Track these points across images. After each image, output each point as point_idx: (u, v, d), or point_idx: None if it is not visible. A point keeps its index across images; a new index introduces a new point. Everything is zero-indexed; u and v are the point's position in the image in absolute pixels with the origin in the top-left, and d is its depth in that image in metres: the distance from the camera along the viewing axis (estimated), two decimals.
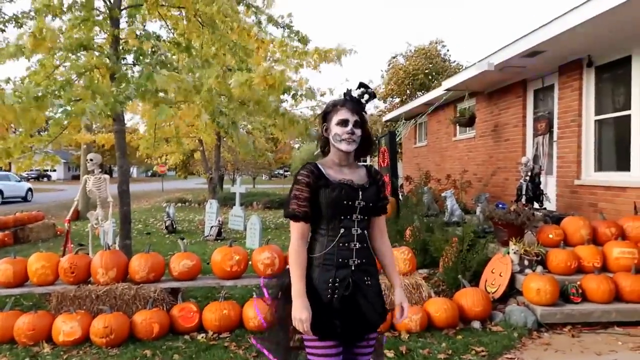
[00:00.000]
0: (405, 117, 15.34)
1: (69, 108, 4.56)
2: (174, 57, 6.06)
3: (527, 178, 7.01)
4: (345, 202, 2.11)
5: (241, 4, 6.26)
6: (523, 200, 6.92)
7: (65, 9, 5.21)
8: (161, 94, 5.36)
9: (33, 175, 49.71)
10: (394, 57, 25.16)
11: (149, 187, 36.07)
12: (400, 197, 9.35)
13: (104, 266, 4.69)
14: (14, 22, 5.15)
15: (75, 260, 4.76)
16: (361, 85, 2.22)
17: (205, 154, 15.52)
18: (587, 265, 5.09)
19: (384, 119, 18.84)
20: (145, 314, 4.41)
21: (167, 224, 11.45)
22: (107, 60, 5.35)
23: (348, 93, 2.22)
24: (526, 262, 5.21)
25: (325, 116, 2.23)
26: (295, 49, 6.59)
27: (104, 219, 6.68)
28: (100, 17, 5.44)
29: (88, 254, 5.97)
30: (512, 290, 5.18)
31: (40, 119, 4.88)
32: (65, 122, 5.20)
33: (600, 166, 6.90)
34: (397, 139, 13.41)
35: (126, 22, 5.74)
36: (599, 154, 6.92)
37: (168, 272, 5.03)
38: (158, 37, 5.84)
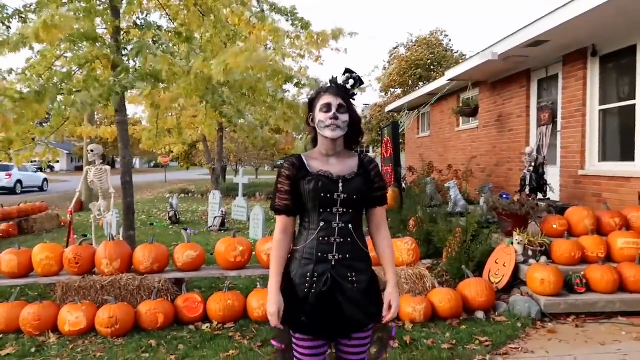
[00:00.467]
0: (408, 108, 15.28)
1: (59, 98, 4.55)
2: (175, 47, 6.02)
3: (531, 168, 6.98)
4: (322, 194, 2.02)
5: None
6: (527, 190, 6.90)
7: (67, 0, 5.17)
8: (161, 85, 5.35)
9: (37, 167, 49.76)
10: (395, 48, 25.01)
11: (152, 178, 36.13)
12: (403, 187, 9.35)
13: (109, 257, 4.71)
14: (17, 17, 5.13)
15: (80, 251, 4.77)
16: (347, 71, 2.14)
17: (208, 145, 15.51)
18: (591, 255, 5.08)
19: (387, 109, 18.77)
20: (149, 304, 4.43)
21: (170, 215, 11.49)
22: (108, 51, 5.33)
23: (332, 80, 2.14)
24: (530, 253, 5.21)
25: (311, 105, 2.15)
26: (287, 34, 6.43)
27: (106, 210, 6.68)
28: (101, 8, 5.41)
29: (92, 244, 5.99)
30: (516, 281, 5.18)
31: (43, 110, 4.88)
32: (67, 113, 5.20)
33: (604, 156, 6.86)
34: (400, 130, 13.36)
35: (124, 12, 5.71)
36: (603, 144, 6.89)
37: (172, 263, 5.04)
38: (159, 27, 5.81)
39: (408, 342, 3.96)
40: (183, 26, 6.06)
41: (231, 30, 5.82)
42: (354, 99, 2.16)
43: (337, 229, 2.05)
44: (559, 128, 7.65)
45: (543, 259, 4.97)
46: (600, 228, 5.50)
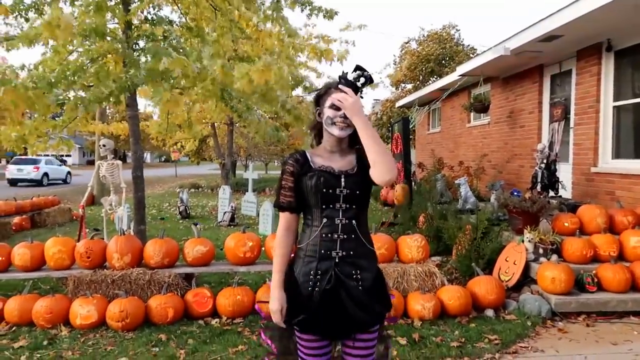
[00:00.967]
0: (418, 103, 15.19)
1: (70, 96, 4.59)
2: (186, 42, 6.03)
3: (543, 165, 6.92)
4: (324, 190, 1.99)
5: None
6: (538, 187, 6.84)
7: None
8: (171, 81, 5.37)
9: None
10: (406, 43, 24.87)
11: (162, 172, 36.38)
12: (413, 184, 9.30)
13: (119, 251, 4.74)
14: (34, 10, 5.17)
15: (91, 245, 4.82)
16: (357, 68, 2.08)
17: (218, 139, 15.57)
18: (603, 254, 5.03)
19: (397, 104, 18.67)
20: (160, 298, 4.46)
21: (180, 210, 11.56)
22: (119, 46, 5.35)
23: (343, 76, 2.08)
24: (541, 251, 5.16)
25: (318, 100, 2.11)
26: (291, 44, 6.41)
27: (118, 205, 6.74)
28: (113, 2, 5.43)
29: (103, 239, 6.04)
30: (526, 279, 5.14)
31: (54, 105, 4.92)
32: (77, 111, 5.24)
33: (617, 153, 6.77)
34: (411, 126, 13.29)
35: (136, 8, 5.72)
36: (616, 141, 6.79)
37: (182, 258, 5.07)
38: (170, 22, 5.81)
39: (417, 340, 3.95)
40: (194, 21, 6.08)
41: (239, 29, 5.82)
42: (362, 97, 2.12)
43: (340, 225, 2.02)
44: (571, 124, 7.56)
45: (554, 257, 4.93)
46: (612, 226, 5.44)
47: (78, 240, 5.43)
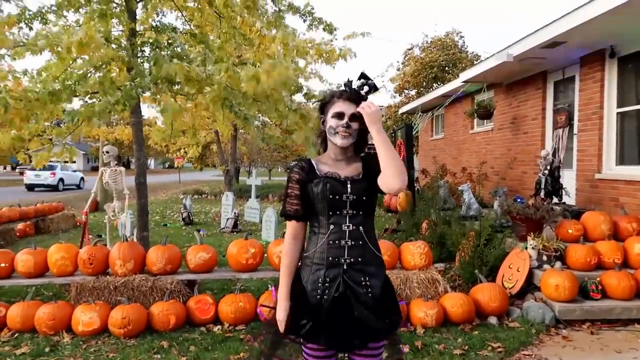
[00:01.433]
0: (422, 110, 15.19)
1: (78, 107, 4.63)
2: (190, 49, 6.07)
3: (546, 172, 6.90)
4: (331, 196, 1.99)
5: None
6: (542, 194, 6.81)
7: (83, 2, 5.24)
8: (176, 87, 5.40)
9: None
10: (409, 49, 24.92)
11: (166, 178, 36.46)
12: (416, 190, 9.29)
13: (122, 258, 4.75)
14: (39, 19, 5.21)
15: (94, 252, 4.83)
16: (362, 76, 2.09)
17: (221, 146, 15.60)
18: (608, 261, 5.00)
19: (400, 110, 18.68)
20: (162, 305, 4.46)
21: (184, 216, 11.57)
22: (124, 53, 5.38)
23: (347, 84, 2.09)
24: (544, 258, 5.14)
25: (323, 108, 2.11)
26: (296, 48, 6.44)
27: (121, 211, 6.75)
28: (117, 10, 5.47)
29: (106, 245, 6.05)
30: (529, 286, 5.11)
31: (57, 110, 4.94)
32: (85, 122, 5.28)
33: (622, 160, 6.74)
34: (414, 132, 13.28)
35: (142, 11, 5.77)
36: (620, 147, 6.77)
37: (184, 264, 5.07)
38: (174, 29, 5.85)
39: (420, 347, 3.93)
40: (199, 27, 6.11)
41: (242, 35, 5.85)
42: None
43: (347, 231, 2.01)
44: (575, 131, 7.54)
45: (558, 264, 4.90)
46: (617, 233, 5.41)
47: (80, 247, 5.44)
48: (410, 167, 8.95)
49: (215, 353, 3.91)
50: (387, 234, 8.41)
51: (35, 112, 4.35)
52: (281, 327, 2.05)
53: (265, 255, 5.15)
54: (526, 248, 5.27)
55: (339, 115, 2.03)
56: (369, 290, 2.00)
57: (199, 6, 5.89)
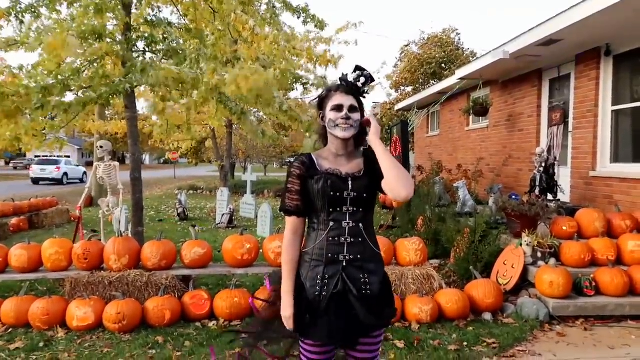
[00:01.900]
0: (417, 106, 15.20)
1: (72, 98, 4.61)
2: (185, 44, 6.03)
3: (541, 169, 6.92)
4: (332, 193, 1.97)
5: None
6: (537, 191, 6.84)
7: None
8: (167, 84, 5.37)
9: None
10: (406, 45, 24.91)
11: (161, 174, 36.34)
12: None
13: (117, 253, 4.73)
14: (30, 12, 5.16)
15: (88, 247, 4.81)
16: (357, 68, 2.09)
17: (217, 141, 15.56)
18: (601, 258, 5.02)
19: (396, 107, 18.68)
20: (157, 300, 4.45)
21: (179, 211, 11.54)
22: (118, 48, 5.34)
23: (343, 77, 2.08)
24: (539, 254, 5.16)
25: (321, 103, 2.10)
26: (285, 48, 6.40)
27: (115, 206, 6.72)
28: (112, 3, 5.42)
29: (100, 240, 6.03)
30: (524, 283, 5.14)
31: (49, 106, 4.90)
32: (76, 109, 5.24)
33: (616, 157, 6.78)
34: (410, 129, 13.30)
35: (136, 7, 5.73)
36: (615, 145, 6.80)
37: (180, 260, 5.06)
38: (169, 24, 5.81)
39: (414, 343, 3.94)
40: (193, 22, 6.08)
41: (237, 31, 5.83)
42: (364, 97, 2.12)
43: (347, 228, 2.01)
44: (570, 128, 7.57)
45: (552, 261, 4.92)
46: (610, 230, 5.44)
47: (74, 242, 5.41)
48: (406, 164, 8.96)
49: None
50: (383, 230, 8.42)
51: (26, 107, 4.30)
52: (288, 324, 2.04)
53: (261, 251, 5.15)
54: (521, 245, 5.30)
55: (338, 108, 2.02)
56: (368, 287, 2.00)
57: (195, 1, 5.85)
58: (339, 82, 2.10)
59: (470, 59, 20.90)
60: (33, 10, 5.16)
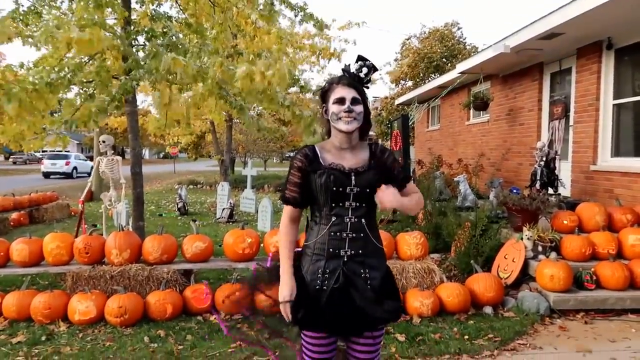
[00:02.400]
0: (418, 101, 15.17)
1: (73, 98, 4.59)
2: (185, 38, 6.01)
3: (542, 163, 6.90)
4: (334, 188, 1.97)
5: None
6: (537, 185, 6.83)
7: None
8: (170, 77, 5.35)
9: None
10: (407, 39, 24.83)
11: (161, 168, 36.32)
12: (412, 181, 9.30)
13: (118, 247, 4.74)
14: (32, 14, 5.14)
15: (90, 241, 4.81)
16: (359, 58, 2.06)
17: (216, 136, 15.53)
18: (602, 252, 5.03)
19: (397, 102, 18.65)
20: (158, 294, 4.46)
21: (179, 206, 11.54)
22: (118, 42, 5.32)
23: (345, 69, 2.07)
24: (540, 248, 5.17)
25: (323, 96, 2.09)
26: (289, 42, 6.38)
27: (117, 200, 6.72)
28: None
29: (102, 234, 6.03)
30: (524, 276, 5.15)
31: (54, 100, 4.90)
32: (78, 103, 5.23)
33: (617, 152, 6.77)
34: (410, 123, 13.27)
35: (136, 1, 5.72)
36: (616, 139, 6.79)
37: (181, 254, 5.06)
38: (169, 18, 5.79)
39: (415, 337, 3.95)
40: (193, 17, 6.05)
41: (236, 26, 5.80)
42: (368, 88, 2.10)
43: (349, 223, 2.01)
44: (571, 122, 7.56)
45: (553, 254, 4.93)
46: (611, 224, 5.44)
47: (76, 236, 5.42)
48: (406, 158, 8.95)
49: (212, 342, 3.93)
50: (383, 224, 8.42)
51: (34, 102, 4.30)
52: (283, 308, 2.04)
53: (262, 245, 5.15)
54: (521, 239, 5.30)
55: (340, 101, 2.00)
56: (369, 282, 2.00)
57: None
58: (341, 74, 2.08)
59: (472, 53, 20.82)
60: (34, 12, 5.15)
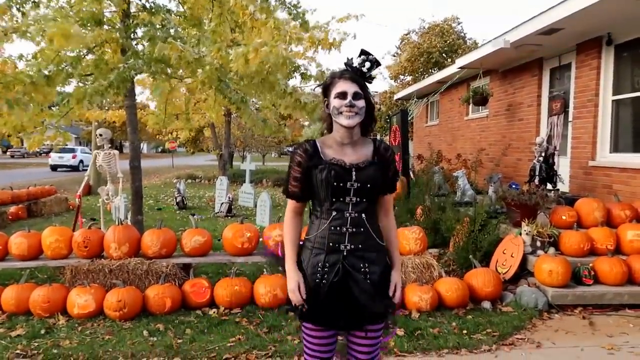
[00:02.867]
0: (417, 96, 15.15)
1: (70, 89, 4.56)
2: (184, 31, 5.98)
3: (541, 159, 6.91)
4: (335, 183, 1.97)
5: None
6: (536, 180, 6.84)
7: None
8: (169, 69, 5.32)
9: (45, 150, 50.49)
10: (406, 34, 24.76)
11: (159, 163, 36.27)
12: (411, 176, 9.30)
13: (117, 241, 4.73)
14: (31, 3, 5.10)
15: (89, 235, 4.81)
16: (362, 52, 2.05)
17: (215, 130, 15.51)
18: (600, 247, 5.04)
19: (396, 97, 18.62)
20: (157, 288, 4.46)
21: (177, 200, 11.53)
22: (117, 35, 5.29)
23: (348, 63, 2.05)
24: (538, 244, 5.18)
25: (325, 91, 2.08)
26: (288, 34, 6.33)
27: (115, 194, 6.71)
28: None
29: (100, 228, 6.02)
30: (523, 271, 5.16)
31: (52, 94, 4.87)
32: (79, 105, 5.20)
33: (616, 147, 6.78)
34: (409, 118, 13.26)
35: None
36: (615, 135, 6.80)
37: (180, 248, 5.06)
38: (168, 11, 5.76)
39: (414, 331, 3.96)
40: (191, 9, 6.01)
41: (234, 20, 5.77)
42: (370, 82, 2.09)
43: (349, 218, 2.01)
44: (570, 118, 7.56)
45: (551, 250, 4.94)
46: (610, 220, 5.46)
47: (74, 230, 5.40)
48: (405, 153, 8.94)
49: (211, 336, 3.93)
50: None
51: (31, 95, 4.27)
52: (293, 297, 2.04)
53: (261, 239, 5.15)
54: (520, 234, 5.31)
55: (342, 95, 1.99)
56: (368, 276, 2.01)
57: None
58: (344, 68, 2.07)
59: (472, 48, 20.78)
60: (34, 1, 5.11)
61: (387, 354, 3.59)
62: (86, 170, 24.94)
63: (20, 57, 5.09)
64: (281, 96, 5.33)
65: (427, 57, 21.83)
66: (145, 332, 3.99)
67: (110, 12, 5.67)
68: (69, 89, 5.38)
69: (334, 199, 2.01)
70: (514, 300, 4.66)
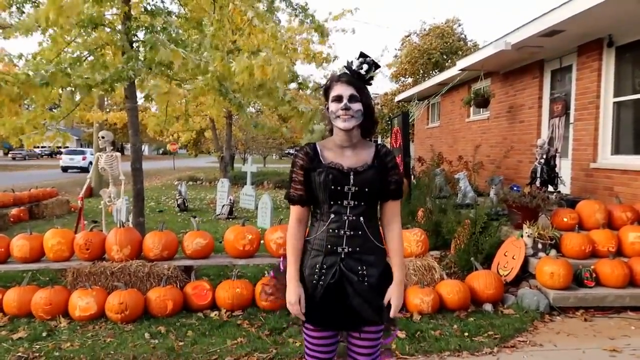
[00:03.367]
0: (418, 98, 15.15)
1: (78, 81, 4.54)
2: (185, 34, 5.99)
3: (542, 161, 6.91)
4: (332, 187, 1.98)
5: None
6: (537, 183, 6.84)
7: None
8: (170, 72, 5.33)
9: (46, 152, 50.63)
10: (407, 36, 24.76)
11: (160, 165, 36.30)
12: (412, 178, 9.30)
13: (119, 243, 4.74)
14: (30, 2, 5.11)
15: (90, 237, 4.81)
16: (361, 55, 2.05)
17: (216, 132, 15.52)
18: (602, 249, 5.04)
19: (397, 99, 18.62)
20: (159, 291, 4.46)
21: (179, 202, 11.54)
22: (118, 37, 5.30)
23: (348, 65, 2.05)
24: (540, 246, 5.17)
25: (326, 94, 2.10)
26: (284, 43, 6.34)
27: (117, 197, 6.72)
28: None
29: (102, 231, 6.03)
30: (524, 274, 5.16)
31: (53, 94, 4.88)
32: (77, 99, 5.21)
33: (617, 149, 6.77)
34: (410, 120, 13.26)
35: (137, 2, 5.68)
36: (616, 137, 6.79)
37: (181, 250, 5.06)
38: (169, 13, 5.77)
39: (416, 333, 3.96)
40: (192, 12, 6.03)
41: (233, 22, 5.79)
42: (370, 84, 2.08)
43: (347, 221, 2.01)
44: (571, 120, 7.56)
45: (553, 252, 4.94)
46: (611, 222, 5.45)
47: (76, 232, 5.41)
48: (406, 155, 8.94)
49: (213, 338, 3.93)
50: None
51: (30, 95, 4.27)
52: (293, 309, 2.04)
53: (262, 241, 5.16)
54: (522, 236, 5.31)
55: (338, 98, 2.00)
56: (365, 278, 2.01)
57: None
58: (343, 71, 2.08)
59: (473, 50, 20.78)
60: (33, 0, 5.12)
61: (391, 356, 3.58)
62: None
63: (20, 56, 5.10)
64: (279, 103, 5.34)
65: (427, 59, 21.82)
66: (146, 335, 3.99)
67: (111, 14, 5.68)
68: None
69: (332, 202, 2.02)
70: (515, 303, 4.65)
